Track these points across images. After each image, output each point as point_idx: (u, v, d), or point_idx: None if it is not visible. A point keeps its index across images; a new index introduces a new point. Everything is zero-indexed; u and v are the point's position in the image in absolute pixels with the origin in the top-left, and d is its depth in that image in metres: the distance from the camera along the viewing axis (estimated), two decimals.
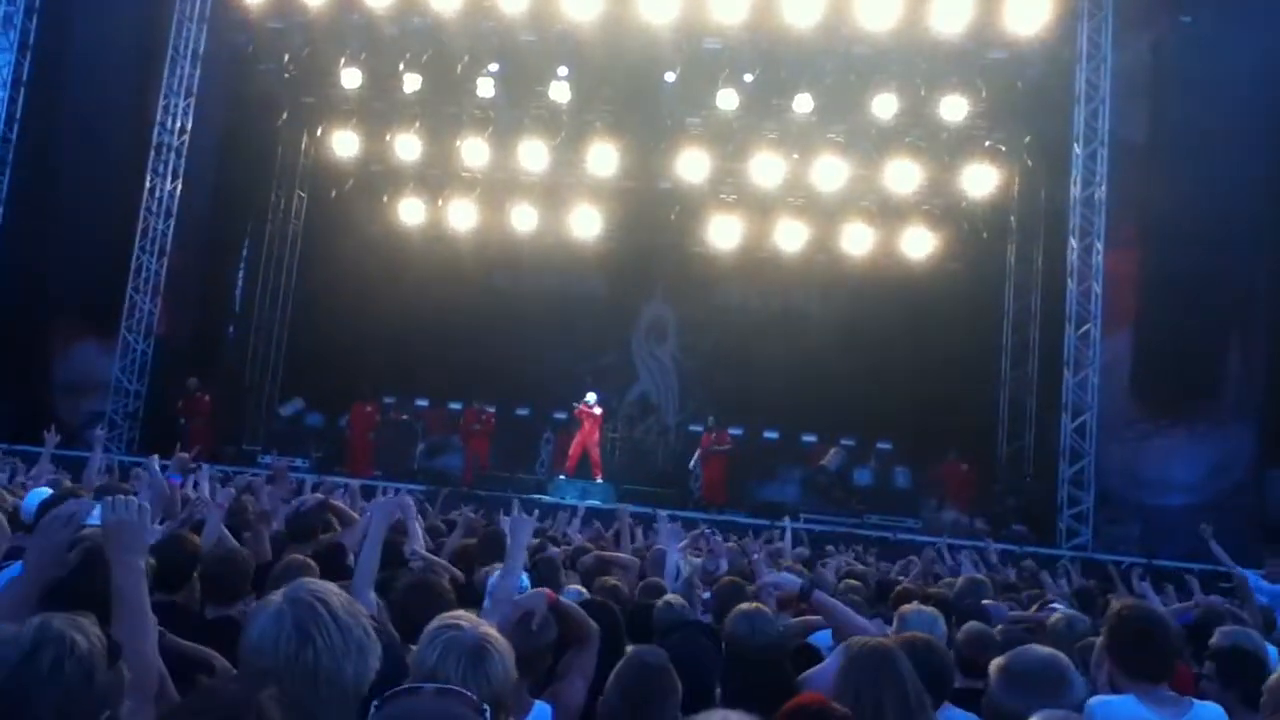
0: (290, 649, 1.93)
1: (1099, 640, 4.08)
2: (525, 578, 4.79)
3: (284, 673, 1.90)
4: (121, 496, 2.65)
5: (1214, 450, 15.05)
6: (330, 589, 2.06)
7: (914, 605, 4.75)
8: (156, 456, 6.37)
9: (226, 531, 5.40)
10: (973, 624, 4.73)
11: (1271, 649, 4.70)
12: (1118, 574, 10.66)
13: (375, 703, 1.88)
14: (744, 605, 4.47)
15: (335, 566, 5.26)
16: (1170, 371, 15.07)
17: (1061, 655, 3.14)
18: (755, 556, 6.86)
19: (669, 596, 5.01)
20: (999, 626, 5.00)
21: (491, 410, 18.10)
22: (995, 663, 3.16)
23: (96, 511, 2.70)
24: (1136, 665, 3.67)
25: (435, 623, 2.36)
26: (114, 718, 1.87)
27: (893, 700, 2.89)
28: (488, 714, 1.90)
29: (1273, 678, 3.60)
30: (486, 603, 4.08)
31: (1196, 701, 3.71)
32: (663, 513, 8.14)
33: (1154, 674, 3.66)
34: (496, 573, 4.37)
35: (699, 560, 7.44)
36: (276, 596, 2.03)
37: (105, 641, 1.89)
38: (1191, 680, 4.28)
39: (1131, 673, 3.66)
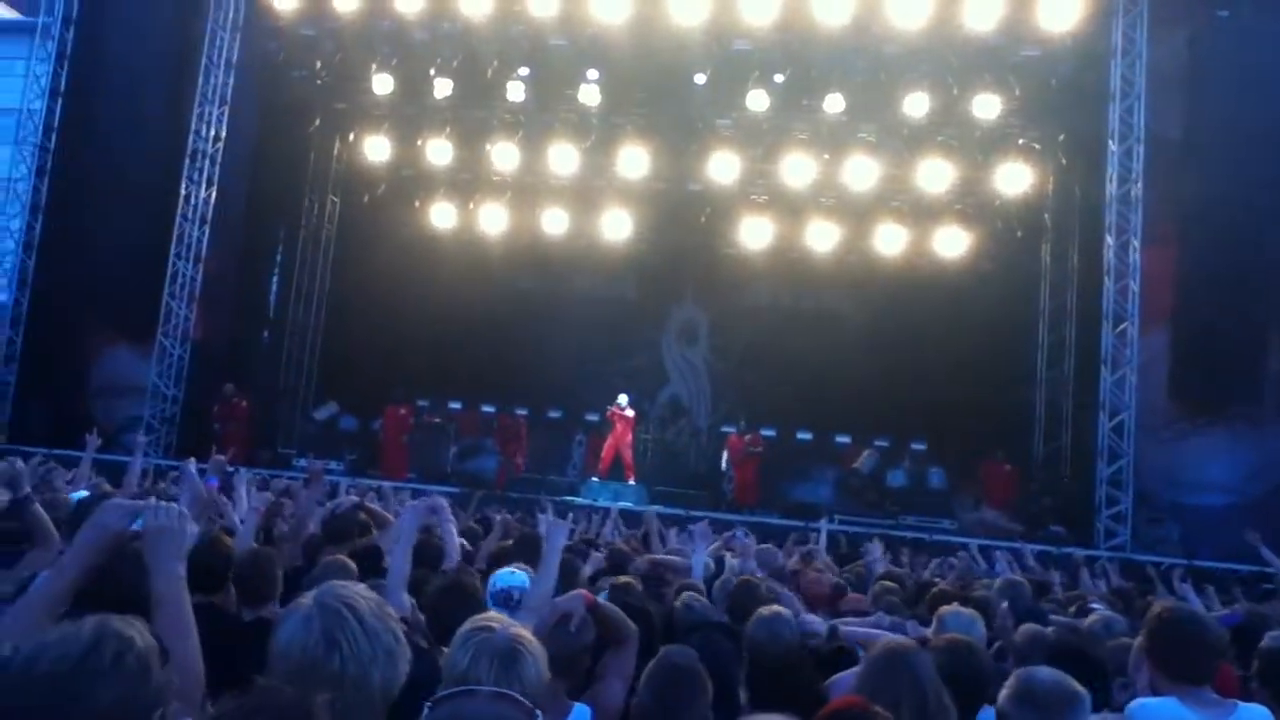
0: (317, 654, 1.93)
1: (1137, 642, 4.02)
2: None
3: (311, 678, 1.90)
4: (163, 503, 2.64)
5: (1254, 450, 14.84)
6: (360, 593, 2.06)
7: (953, 607, 4.71)
8: (193, 459, 6.42)
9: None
10: (1028, 625, 4.70)
11: None
12: (1157, 575, 10.55)
13: (429, 703, 1.88)
14: (763, 610, 4.46)
15: (372, 569, 5.29)
16: (1209, 370, 14.87)
17: (1069, 678, 3.10)
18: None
19: (687, 597, 4.99)
20: (1050, 629, 4.96)
21: (522, 414, 18.19)
22: (1008, 684, 3.13)
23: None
24: (1177, 667, 3.61)
25: (467, 625, 2.35)
26: (165, 716, 1.88)
27: (910, 703, 2.86)
28: (539, 718, 1.89)
29: None
30: (489, 603, 4.06)
31: (1241, 704, 3.65)
32: (699, 517, 8.13)
33: (1195, 676, 3.60)
34: (502, 572, 4.36)
35: (736, 561, 7.41)
36: (306, 600, 2.03)
37: (158, 643, 1.90)
38: (1236, 682, 4.21)
39: (1172, 675, 3.61)
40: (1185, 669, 3.60)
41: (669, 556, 7.16)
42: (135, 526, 2.57)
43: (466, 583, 3.89)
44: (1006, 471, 17.05)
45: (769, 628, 4.19)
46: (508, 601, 4.03)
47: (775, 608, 4.57)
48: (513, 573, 4.29)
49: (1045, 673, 3.11)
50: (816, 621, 5.33)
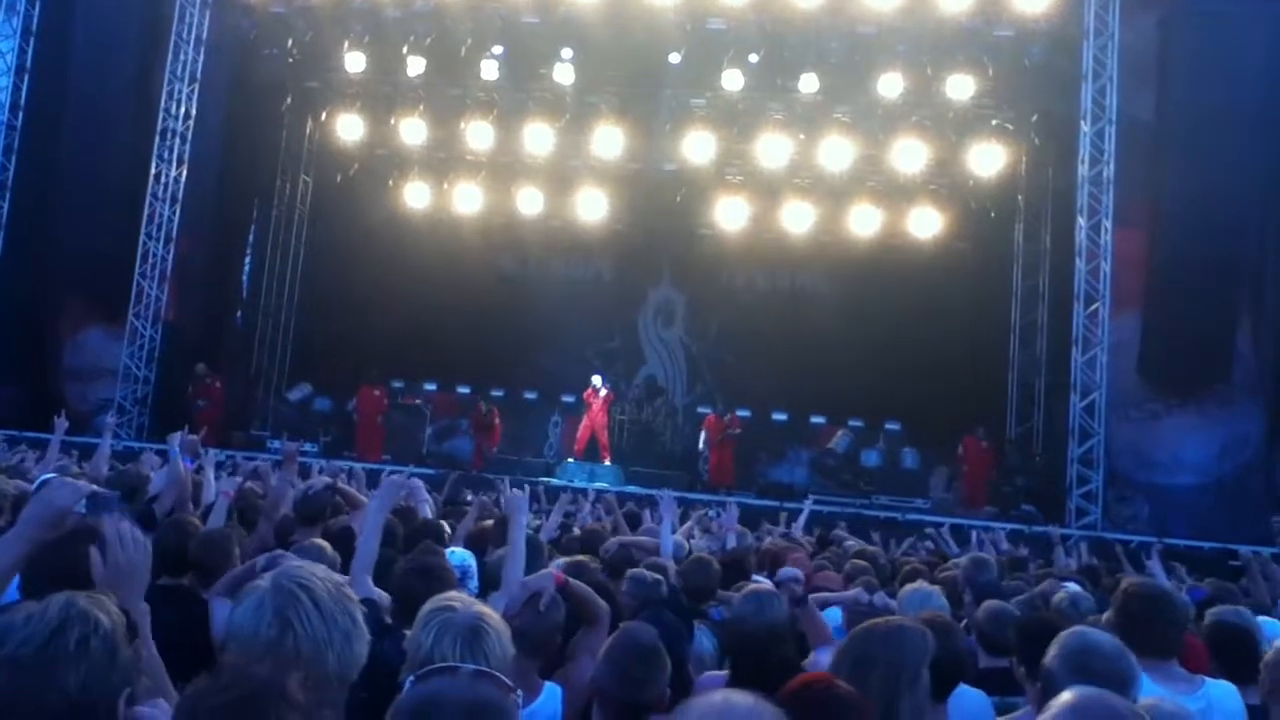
0: (270, 635, 1.93)
1: (1105, 617, 4.07)
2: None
3: (264, 659, 1.90)
4: (130, 532, 2.60)
5: (1224, 430, 15.01)
6: (317, 574, 2.05)
7: (914, 584, 4.76)
8: (178, 435, 6.40)
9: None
10: (991, 602, 4.74)
11: (1273, 623, 4.70)
12: (1125, 553, 10.68)
13: (410, 679, 1.88)
14: (754, 585, 4.50)
15: (345, 550, 5.27)
16: (1180, 351, 15.01)
17: (1124, 646, 3.05)
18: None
19: (635, 572, 4.99)
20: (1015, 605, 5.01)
21: (497, 395, 18.17)
22: (1058, 644, 3.05)
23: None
24: (1144, 642, 3.60)
25: (429, 605, 2.36)
26: (134, 694, 1.88)
27: (879, 678, 2.85)
28: (519, 697, 1.90)
29: (1269, 654, 3.57)
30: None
31: (1208, 679, 3.70)
32: (667, 492, 8.11)
33: (1162, 650, 3.64)
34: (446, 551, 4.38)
35: (702, 541, 7.46)
36: (263, 582, 2.03)
37: (125, 619, 1.90)
38: (1206, 655, 4.27)
39: (1140, 650, 3.62)
40: (1151, 644, 3.62)
41: (639, 538, 7.17)
42: (79, 509, 2.55)
43: (433, 563, 3.89)
44: (984, 448, 17.07)
45: (757, 602, 4.21)
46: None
47: (766, 585, 4.61)
48: (452, 552, 4.29)
49: (1105, 642, 3.03)
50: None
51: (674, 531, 7.05)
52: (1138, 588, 3.92)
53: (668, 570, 5.37)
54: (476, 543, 6.01)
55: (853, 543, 8.68)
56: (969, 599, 5.53)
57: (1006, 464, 17.35)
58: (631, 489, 14.69)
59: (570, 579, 3.74)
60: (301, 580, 1.99)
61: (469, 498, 10.29)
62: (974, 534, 10.98)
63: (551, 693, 3.41)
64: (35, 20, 17.85)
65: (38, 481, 4.97)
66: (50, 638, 1.77)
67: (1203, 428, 15.10)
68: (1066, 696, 2.15)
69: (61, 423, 7.97)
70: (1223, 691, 3.66)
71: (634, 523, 8.84)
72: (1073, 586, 5.38)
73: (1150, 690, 3.40)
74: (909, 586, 4.67)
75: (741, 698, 1.71)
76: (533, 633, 3.32)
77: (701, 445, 17.94)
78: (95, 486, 2.68)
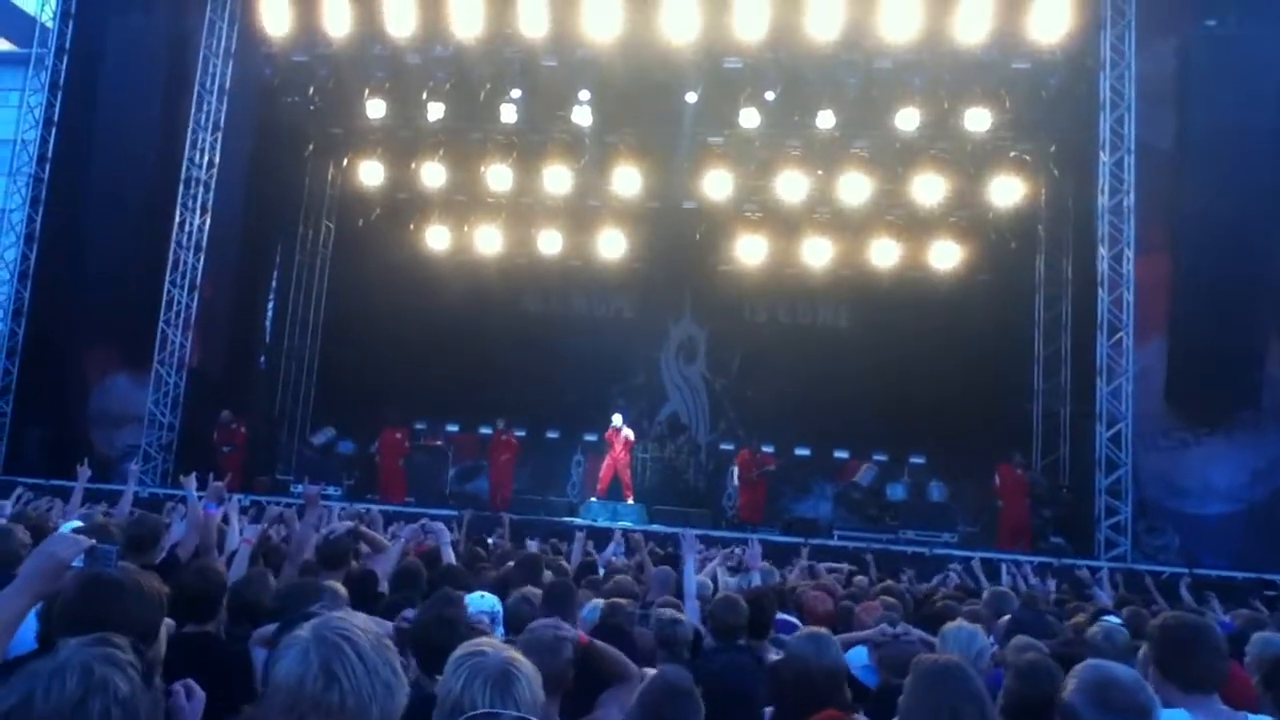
0: (316, 688, 1.91)
1: (1142, 652, 3.99)
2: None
3: (309, 713, 1.89)
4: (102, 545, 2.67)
5: (1254, 457, 14.82)
6: (358, 624, 2.05)
7: (956, 623, 4.68)
8: (194, 475, 6.43)
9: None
10: (1020, 638, 4.68)
11: None
12: (1154, 585, 10.54)
13: None
14: (810, 627, 4.47)
15: (367, 594, 5.27)
16: (1207, 378, 14.85)
17: (1142, 679, 2.99)
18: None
19: (657, 612, 4.95)
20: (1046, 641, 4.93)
21: (513, 433, 18.14)
22: (1076, 678, 3.00)
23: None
24: (1185, 677, 3.52)
25: (460, 650, 2.34)
26: None
27: (969, 714, 2.82)
28: None
29: None
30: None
31: (1250, 715, 3.60)
32: (688, 531, 8.06)
33: (1204, 684, 3.52)
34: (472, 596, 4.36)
35: (733, 580, 7.41)
36: (304, 632, 2.02)
37: (140, 668, 1.88)
38: (1250, 687, 4.17)
39: (1181, 685, 3.51)
40: (1193, 678, 3.52)
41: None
42: (76, 564, 2.58)
43: (451, 615, 3.87)
44: (1019, 476, 16.62)
45: (815, 644, 4.18)
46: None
47: (820, 630, 4.57)
48: (482, 597, 4.27)
49: (1123, 674, 2.97)
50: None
51: (697, 571, 7.00)
52: (1177, 620, 3.79)
53: (683, 609, 5.35)
54: (501, 587, 5.99)
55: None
56: (993, 635, 5.46)
57: (1034, 495, 17.13)
58: (655, 527, 14.63)
59: (594, 640, 3.71)
60: (344, 632, 1.98)
61: (490, 540, 10.29)
62: (1003, 567, 10.88)
63: None
64: (62, 75, 18.15)
65: (64, 530, 4.99)
66: (72, 715, 1.76)
67: (1233, 454, 14.91)
68: None
69: (84, 471, 8.03)
70: None
71: (663, 564, 8.79)
72: (1110, 620, 5.31)
73: None
74: (950, 625, 4.59)
75: None
76: (544, 670, 3.30)
77: (736, 481, 17.73)
78: (93, 540, 2.70)
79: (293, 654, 1.97)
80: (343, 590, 4.56)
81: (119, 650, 1.89)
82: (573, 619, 4.56)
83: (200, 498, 6.41)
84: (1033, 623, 5.60)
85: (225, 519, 7.01)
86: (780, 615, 5.82)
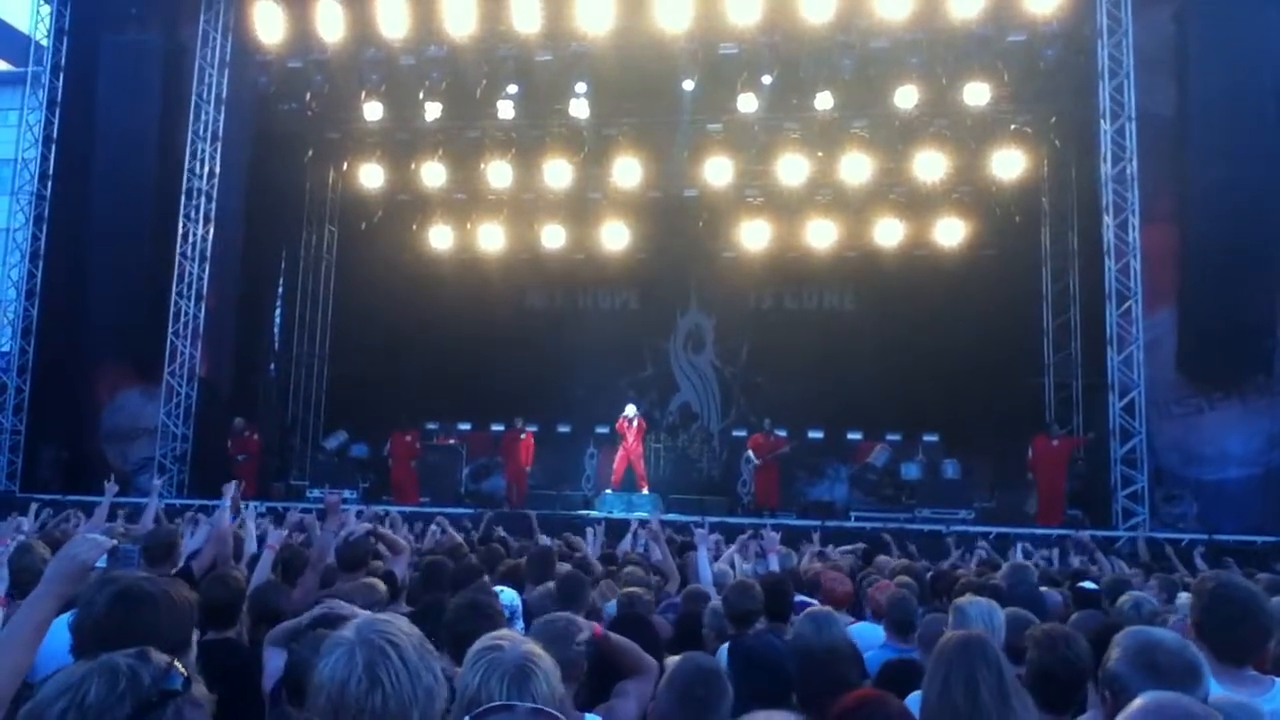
0: (359, 691, 1.92)
1: (1176, 619, 3.95)
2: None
3: (352, 715, 1.90)
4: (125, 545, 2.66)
5: (1271, 422, 14.78)
6: (402, 628, 2.05)
7: (969, 597, 4.66)
8: (233, 485, 6.56)
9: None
10: (1014, 609, 4.65)
11: None
12: (1175, 553, 10.52)
13: (468, 718, 1.86)
14: (814, 608, 4.49)
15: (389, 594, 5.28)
16: (1218, 344, 14.80)
17: (1189, 643, 2.93)
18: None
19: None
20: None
21: (528, 429, 18.13)
22: (1120, 645, 2.90)
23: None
24: (1224, 646, 3.40)
25: (478, 644, 2.34)
26: None
27: (989, 686, 2.81)
28: None
29: None
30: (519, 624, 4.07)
31: (1279, 680, 3.54)
32: (715, 523, 8.15)
33: (1241, 655, 3.43)
34: None
35: (748, 565, 7.41)
36: (349, 633, 2.02)
37: (184, 676, 1.87)
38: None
39: (1219, 653, 3.39)
40: (1231, 648, 3.41)
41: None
42: (100, 564, 2.59)
43: (483, 602, 3.87)
44: (1055, 447, 16.10)
45: (815, 624, 4.19)
46: None
47: (825, 608, 4.60)
48: (501, 590, 4.28)
49: (1166, 636, 2.91)
50: None
51: (715, 560, 7.03)
52: (1225, 590, 3.56)
53: (705, 598, 5.36)
54: (509, 580, 6.00)
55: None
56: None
57: (1074, 461, 16.85)
58: (671, 516, 14.64)
59: (612, 635, 3.71)
60: (389, 636, 1.99)
61: (507, 536, 10.29)
62: (1018, 545, 10.86)
63: None
64: (60, 92, 18.19)
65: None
66: None
67: (1248, 419, 14.88)
68: (1140, 701, 2.09)
69: (112, 486, 8.19)
70: None
71: (683, 550, 8.80)
72: (1137, 591, 5.30)
73: (1219, 693, 3.27)
74: (964, 600, 4.56)
75: (783, 717, 1.70)
76: (560, 660, 3.29)
77: (756, 462, 17.58)
78: (115, 541, 2.71)
79: (337, 655, 1.98)
80: (381, 587, 4.62)
81: (143, 666, 1.88)
82: (584, 612, 4.56)
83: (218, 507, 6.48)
84: (1025, 596, 5.56)
85: (241, 526, 7.04)
86: (800, 598, 5.82)
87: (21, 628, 2.52)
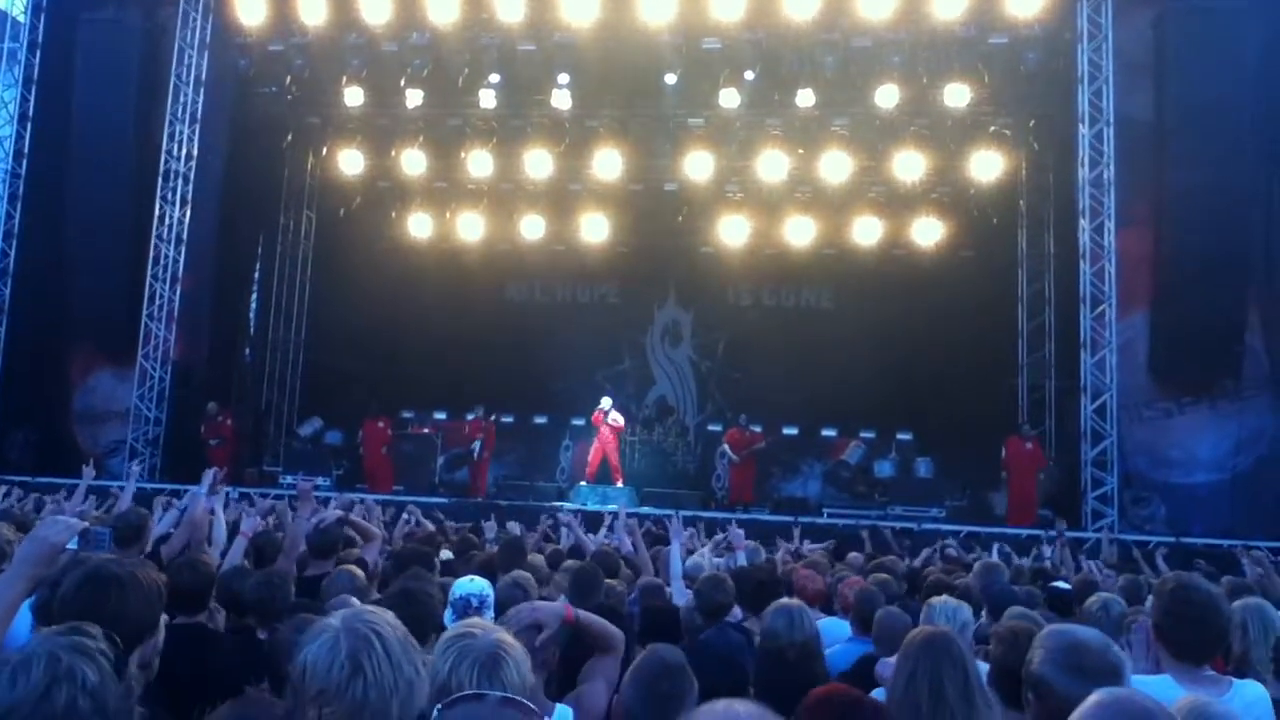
0: (340, 678, 1.93)
1: (1138, 619, 4.00)
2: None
3: (331, 700, 1.90)
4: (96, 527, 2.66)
5: (1238, 426, 14.97)
6: (388, 619, 2.06)
7: (941, 598, 4.73)
8: (212, 472, 6.60)
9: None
10: (1015, 608, 4.73)
11: None
12: (1142, 555, 10.64)
13: (438, 707, 1.88)
14: (784, 600, 4.52)
15: None
16: (1190, 349, 14.98)
17: (1109, 640, 2.95)
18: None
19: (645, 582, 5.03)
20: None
21: (486, 419, 18.02)
22: (1041, 645, 2.96)
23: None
24: (1184, 647, 3.50)
25: (450, 631, 2.35)
26: None
27: (954, 684, 2.84)
28: None
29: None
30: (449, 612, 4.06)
31: (1236, 680, 3.60)
32: (689, 517, 8.22)
33: (1200, 656, 3.51)
34: (461, 580, 4.36)
35: (720, 560, 7.45)
36: (334, 621, 2.03)
37: (111, 657, 1.88)
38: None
39: (1178, 654, 3.50)
40: (1190, 649, 3.49)
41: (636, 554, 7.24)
42: (72, 545, 2.59)
43: (417, 590, 3.89)
44: (1029, 450, 16.17)
45: (789, 618, 4.22)
46: (467, 609, 4.01)
47: (798, 600, 4.63)
48: (472, 580, 4.29)
49: (1089, 636, 2.89)
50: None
51: (689, 553, 7.07)
52: (1184, 592, 3.62)
53: (666, 592, 5.40)
54: (486, 569, 6.01)
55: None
56: (985, 610, 5.52)
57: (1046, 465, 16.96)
58: (646, 510, 14.67)
59: (580, 612, 3.72)
60: (374, 625, 2.00)
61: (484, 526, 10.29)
62: (994, 545, 10.96)
63: (563, 714, 3.38)
64: (36, 69, 17.99)
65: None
66: (37, 704, 1.75)
67: (1216, 424, 15.07)
68: (1096, 698, 2.10)
69: (89, 470, 8.21)
70: (1253, 692, 3.54)
71: (658, 543, 8.84)
72: (1105, 593, 5.36)
73: (1173, 694, 3.32)
74: (936, 600, 4.63)
75: (744, 706, 1.71)
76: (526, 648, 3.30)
77: (733, 456, 17.57)
78: (86, 523, 2.71)
79: (322, 641, 1.98)
80: (360, 573, 4.65)
81: (90, 639, 1.89)
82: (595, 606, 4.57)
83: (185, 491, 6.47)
84: (997, 596, 5.64)
85: (211, 510, 7.01)
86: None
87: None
